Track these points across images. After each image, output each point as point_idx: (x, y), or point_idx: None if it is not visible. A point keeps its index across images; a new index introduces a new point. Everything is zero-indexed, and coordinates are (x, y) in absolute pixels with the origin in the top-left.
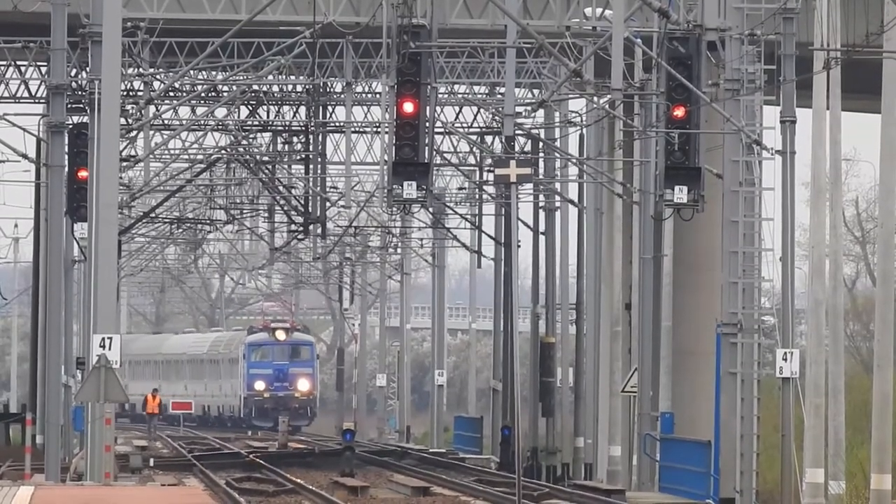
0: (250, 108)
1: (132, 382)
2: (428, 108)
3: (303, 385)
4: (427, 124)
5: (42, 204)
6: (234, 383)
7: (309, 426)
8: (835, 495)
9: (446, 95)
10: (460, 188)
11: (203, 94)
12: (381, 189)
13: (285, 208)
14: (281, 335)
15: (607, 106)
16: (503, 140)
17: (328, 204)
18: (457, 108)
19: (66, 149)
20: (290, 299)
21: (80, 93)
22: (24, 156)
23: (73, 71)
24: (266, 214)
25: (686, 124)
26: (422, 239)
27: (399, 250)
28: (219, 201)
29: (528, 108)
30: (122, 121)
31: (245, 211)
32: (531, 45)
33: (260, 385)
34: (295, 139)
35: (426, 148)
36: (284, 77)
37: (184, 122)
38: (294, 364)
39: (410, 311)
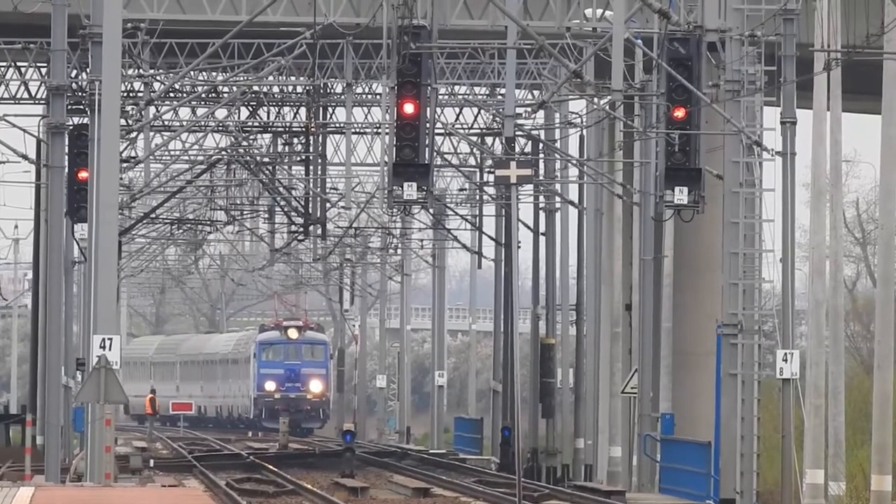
0: (250, 109)
1: (182, 384)
2: (428, 109)
3: (315, 386)
4: (427, 125)
5: (42, 205)
6: (245, 383)
7: (322, 428)
8: (835, 496)
9: (447, 96)
10: (461, 189)
11: (203, 95)
12: (381, 190)
13: (286, 209)
14: (293, 333)
15: (607, 107)
16: (503, 141)
17: (328, 205)
18: (457, 109)
19: (67, 150)
20: (302, 297)
21: (80, 94)
22: (25, 157)
23: (74, 72)
24: (266, 215)
25: (686, 125)
26: (422, 240)
27: (399, 251)
28: (219, 202)
29: (529, 109)
30: (123, 122)
31: (245, 212)
32: (531, 46)
33: (270, 385)
34: (295, 140)
35: (426, 149)
36: (285, 78)
37: (184, 123)
38: (306, 364)
39: (410, 312)
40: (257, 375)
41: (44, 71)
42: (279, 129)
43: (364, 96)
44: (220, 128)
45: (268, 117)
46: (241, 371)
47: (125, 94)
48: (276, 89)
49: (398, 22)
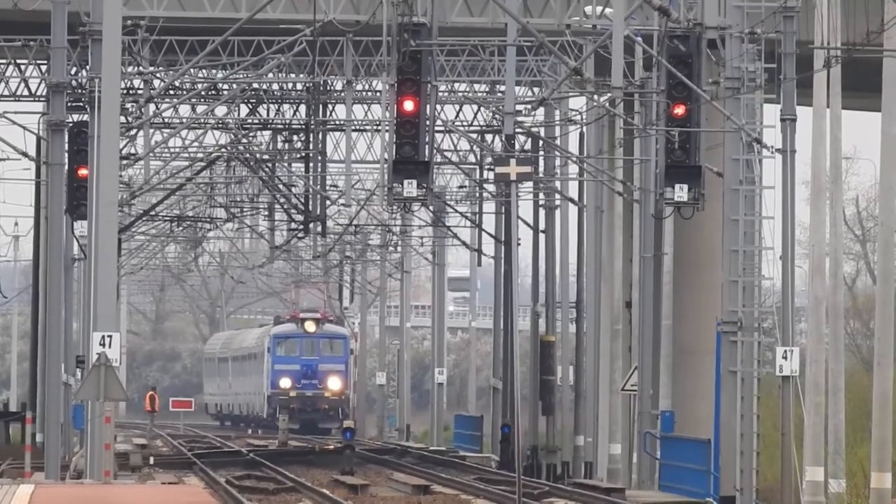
0: (250, 107)
1: (233, 380)
2: (428, 106)
3: (334, 384)
4: (427, 122)
5: (42, 202)
6: (260, 380)
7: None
8: (835, 493)
9: (447, 94)
10: (460, 186)
11: (203, 93)
12: (381, 187)
13: (285, 206)
14: (310, 327)
15: (607, 104)
16: (503, 138)
17: (328, 202)
18: (457, 107)
19: (67, 147)
20: (324, 288)
21: (80, 91)
22: (25, 154)
23: (74, 69)
24: (266, 213)
25: (686, 122)
26: (422, 237)
27: (399, 248)
28: (219, 199)
29: (529, 106)
30: (123, 119)
31: (245, 209)
32: (531, 44)
33: (286, 382)
34: (295, 137)
35: (426, 146)
36: (284, 75)
37: (184, 120)
38: (324, 360)
39: (410, 309)
40: (271, 372)
41: (44, 68)
42: (279, 127)
43: (364, 93)
44: (220, 125)
45: (267, 114)
46: (257, 367)
47: (125, 92)
48: (275, 86)
49: (398, 19)
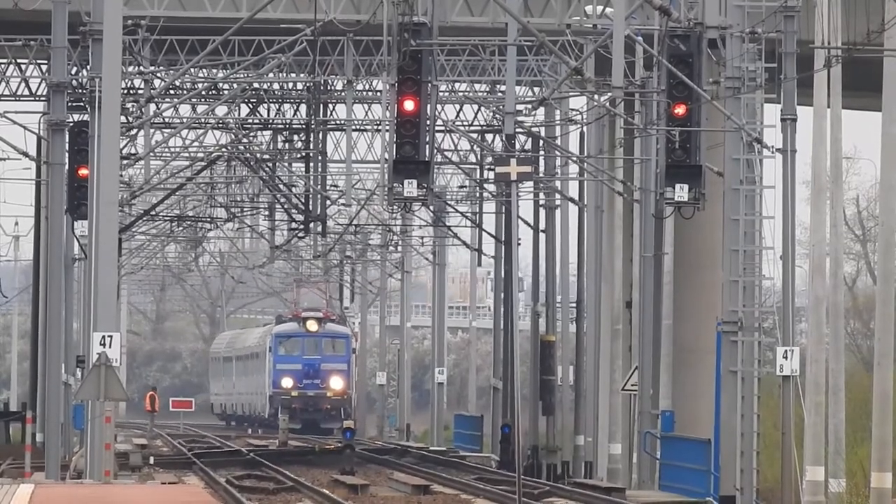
0: (251, 106)
1: (237, 380)
2: (429, 105)
3: (336, 383)
4: (428, 122)
5: (42, 202)
6: (262, 380)
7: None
8: (835, 493)
9: (447, 93)
10: (461, 186)
11: (204, 92)
12: (381, 187)
13: (286, 206)
14: (312, 326)
15: (608, 104)
16: (504, 138)
17: (329, 202)
18: (457, 106)
19: (67, 147)
20: (325, 287)
21: (80, 91)
22: (25, 154)
23: (74, 69)
24: (266, 212)
25: (687, 122)
26: (422, 237)
27: (399, 248)
28: (219, 199)
29: (529, 106)
30: (123, 119)
31: (245, 209)
32: (532, 43)
33: (287, 382)
34: (295, 137)
35: (427, 146)
36: (285, 75)
37: (184, 119)
38: (327, 359)
39: (411, 309)
40: (273, 371)
41: (44, 68)
42: (279, 126)
43: (364, 93)
44: (221, 125)
45: (268, 114)
46: (259, 366)
47: (125, 91)
48: (276, 86)
49: (398, 19)
